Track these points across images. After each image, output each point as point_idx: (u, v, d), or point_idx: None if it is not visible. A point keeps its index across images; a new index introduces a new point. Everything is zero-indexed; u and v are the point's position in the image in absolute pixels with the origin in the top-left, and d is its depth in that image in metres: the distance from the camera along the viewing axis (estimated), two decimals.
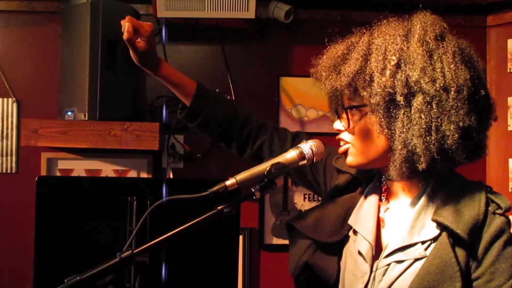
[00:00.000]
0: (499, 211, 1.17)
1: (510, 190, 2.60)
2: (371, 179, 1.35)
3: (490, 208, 1.17)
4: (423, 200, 1.22)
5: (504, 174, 2.63)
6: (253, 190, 1.21)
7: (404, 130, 1.14)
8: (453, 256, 1.13)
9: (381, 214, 1.28)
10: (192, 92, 1.49)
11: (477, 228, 1.15)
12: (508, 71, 2.64)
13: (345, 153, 1.29)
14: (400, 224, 1.23)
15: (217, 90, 1.56)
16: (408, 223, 1.21)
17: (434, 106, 1.12)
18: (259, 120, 1.55)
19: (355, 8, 2.60)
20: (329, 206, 1.36)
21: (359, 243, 1.26)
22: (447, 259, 1.13)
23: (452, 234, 1.15)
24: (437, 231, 1.17)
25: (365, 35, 1.24)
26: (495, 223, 1.15)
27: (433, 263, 1.14)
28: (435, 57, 1.16)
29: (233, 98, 2.58)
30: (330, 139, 1.40)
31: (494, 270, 1.14)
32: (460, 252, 1.14)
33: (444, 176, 1.22)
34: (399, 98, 1.14)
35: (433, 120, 1.12)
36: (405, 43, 1.17)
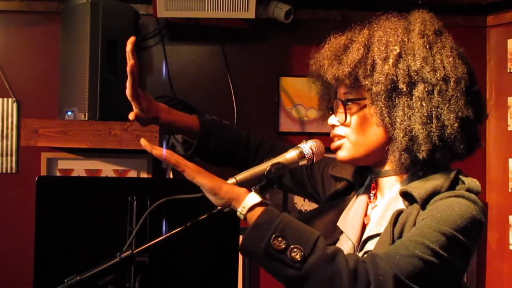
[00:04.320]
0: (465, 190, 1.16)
1: (510, 190, 2.60)
2: (363, 182, 1.36)
3: (457, 187, 1.17)
4: (395, 190, 1.24)
5: (504, 174, 2.63)
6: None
7: (406, 118, 1.16)
8: (390, 224, 1.14)
9: (368, 212, 1.30)
10: (195, 132, 1.47)
11: (434, 196, 1.14)
12: (508, 71, 2.64)
13: (338, 149, 1.30)
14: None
15: (213, 117, 1.56)
16: (378, 214, 1.23)
17: (435, 95, 1.16)
18: (256, 139, 1.56)
19: (355, 8, 2.60)
20: (321, 211, 1.38)
21: (343, 244, 1.27)
22: (387, 227, 1.15)
23: (407, 196, 1.16)
24: None
25: (366, 28, 1.28)
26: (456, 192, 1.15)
27: (381, 238, 1.16)
28: (435, 50, 1.20)
29: (233, 98, 2.58)
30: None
31: (425, 216, 1.12)
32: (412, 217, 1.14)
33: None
34: (402, 86, 1.17)
35: (433, 108, 1.15)
36: (406, 35, 1.21)
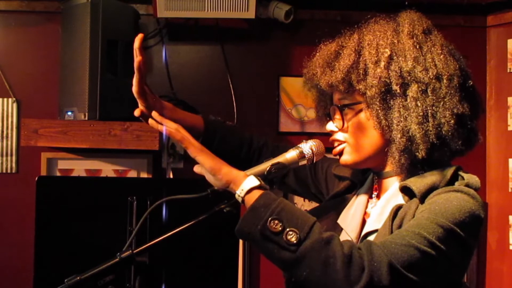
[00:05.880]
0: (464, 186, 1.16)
1: (510, 190, 2.60)
2: (365, 181, 1.36)
3: (457, 183, 1.17)
4: (394, 187, 1.24)
5: (504, 174, 2.63)
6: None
7: (402, 119, 1.17)
8: (389, 218, 1.15)
9: (367, 210, 1.30)
10: (199, 131, 1.46)
11: (433, 191, 1.14)
12: (508, 71, 2.64)
13: (340, 154, 1.30)
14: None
15: (219, 118, 1.55)
16: (377, 211, 1.23)
17: (429, 93, 1.16)
18: (259, 141, 1.56)
19: (355, 8, 2.60)
20: (322, 209, 1.39)
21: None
22: (386, 221, 1.16)
23: (406, 191, 1.17)
24: None
25: (355, 33, 1.28)
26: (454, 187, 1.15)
27: (380, 232, 1.17)
28: (425, 49, 1.20)
29: (233, 98, 2.58)
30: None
31: (423, 208, 1.12)
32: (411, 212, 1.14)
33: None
34: (395, 87, 1.17)
35: (428, 107, 1.16)
36: (395, 37, 1.22)
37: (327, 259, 1.01)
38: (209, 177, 1.16)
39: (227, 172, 1.14)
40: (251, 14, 2.37)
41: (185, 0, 2.33)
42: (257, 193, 1.11)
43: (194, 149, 1.15)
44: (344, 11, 2.64)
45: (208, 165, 1.14)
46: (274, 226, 1.04)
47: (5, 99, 2.53)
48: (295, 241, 1.03)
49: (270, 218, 1.05)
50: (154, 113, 1.22)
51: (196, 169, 1.19)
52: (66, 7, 2.28)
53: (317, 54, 1.32)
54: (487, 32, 2.70)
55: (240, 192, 1.12)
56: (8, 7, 2.54)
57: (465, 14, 2.66)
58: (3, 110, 2.52)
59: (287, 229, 1.04)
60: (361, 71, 1.21)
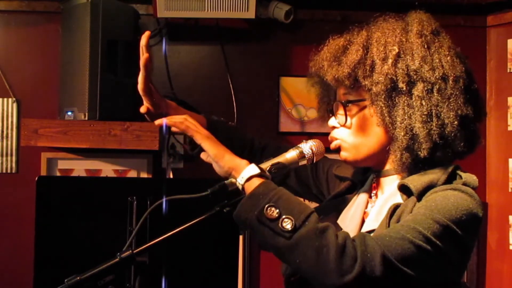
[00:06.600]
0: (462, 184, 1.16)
1: (510, 190, 2.60)
2: (366, 181, 1.37)
3: (454, 181, 1.17)
4: (393, 186, 1.24)
5: (504, 174, 2.63)
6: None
7: (406, 117, 1.17)
8: (387, 217, 1.15)
9: (367, 209, 1.30)
10: None
11: (430, 189, 1.15)
12: (508, 71, 2.64)
13: (338, 149, 1.30)
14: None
15: (221, 119, 1.57)
16: (376, 210, 1.23)
17: (434, 93, 1.17)
18: (261, 142, 1.57)
19: (355, 8, 2.61)
20: (323, 209, 1.39)
21: None
22: (383, 220, 1.16)
23: (404, 189, 1.17)
24: None
25: (364, 30, 1.29)
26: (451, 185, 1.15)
27: (377, 231, 1.17)
28: (433, 49, 1.21)
29: (233, 98, 2.58)
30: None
31: (420, 205, 1.13)
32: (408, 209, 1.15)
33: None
34: (401, 85, 1.18)
35: (433, 107, 1.17)
36: (404, 35, 1.23)
37: (320, 248, 1.02)
38: (214, 165, 1.19)
39: (230, 159, 1.17)
40: (251, 14, 2.37)
41: (185, 0, 2.33)
42: (257, 181, 1.13)
43: (200, 136, 1.19)
44: (344, 11, 2.64)
45: (212, 152, 1.17)
46: (270, 212, 1.07)
47: (5, 99, 2.53)
48: (290, 228, 1.05)
49: (267, 205, 1.07)
50: (156, 122, 1.25)
51: (203, 156, 1.22)
52: (66, 7, 2.28)
53: (325, 48, 1.32)
54: (487, 32, 2.70)
55: (240, 179, 1.14)
56: (8, 7, 2.54)
57: (465, 14, 2.66)
58: (3, 110, 2.52)
59: (283, 216, 1.06)
60: (368, 67, 1.21)
